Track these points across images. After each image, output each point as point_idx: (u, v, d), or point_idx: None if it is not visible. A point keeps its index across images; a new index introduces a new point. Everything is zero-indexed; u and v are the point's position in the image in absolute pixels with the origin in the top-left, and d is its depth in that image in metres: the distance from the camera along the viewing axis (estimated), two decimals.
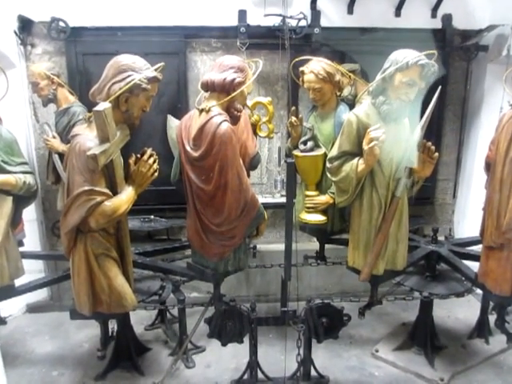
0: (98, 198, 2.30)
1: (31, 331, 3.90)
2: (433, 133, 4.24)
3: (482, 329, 3.69)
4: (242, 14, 3.80)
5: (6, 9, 3.68)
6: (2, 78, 2.99)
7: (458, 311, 4.13)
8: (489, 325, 3.68)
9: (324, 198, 3.21)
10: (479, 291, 3.27)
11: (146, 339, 3.70)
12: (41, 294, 4.20)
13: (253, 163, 3.01)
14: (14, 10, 3.74)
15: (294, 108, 3.27)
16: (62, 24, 3.73)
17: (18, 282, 3.09)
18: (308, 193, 3.27)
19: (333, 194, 3.07)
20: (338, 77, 3.13)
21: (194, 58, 4.13)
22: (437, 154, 2.63)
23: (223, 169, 2.43)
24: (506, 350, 3.47)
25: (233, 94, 2.48)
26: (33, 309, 4.22)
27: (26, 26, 3.87)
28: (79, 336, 3.77)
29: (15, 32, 3.80)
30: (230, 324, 2.84)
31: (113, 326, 3.42)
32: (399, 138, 2.67)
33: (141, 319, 3.92)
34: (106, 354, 3.43)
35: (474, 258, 3.23)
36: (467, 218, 4.57)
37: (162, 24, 3.86)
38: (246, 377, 3.05)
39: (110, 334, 3.46)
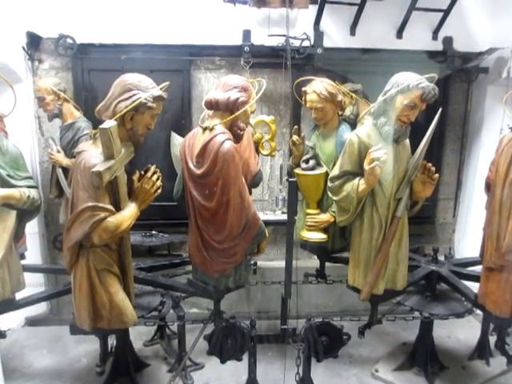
0: (102, 214, 2.32)
1: (30, 345, 3.88)
2: (434, 153, 4.29)
3: (482, 350, 3.66)
4: (247, 34, 3.86)
5: (15, 25, 3.76)
6: (10, 93, 3.03)
7: (459, 332, 4.10)
8: (489, 346, 3.65)
9: (325, 217, 3.24)
10: (480, 312, 3.26)
11: (144, 355, 3.67)
12: (40, 308, 4.18)
13: (255, 181, 3.03)
14: (23, 26, 3.83)
15: (296, 126, 3.32)
16: (69, 40, 3.80)
17: (19, 296, 3.09)
18: (309, 211, 3.29)
19: (334, 212, 3.09)
20: (339, 97, 3.17)
21: (198, 76, 4.19)
22: (437, 175, 2.67)
23: (225, 187, 2.46)
24: (507, 372, 3.42)
25: (236, 113, 2.53)
26: (32, 322, 4.20)
27: (34, 42, 3.95)
28: (78, 350, 3.74)
29: (23, 48, 3.88)
30: (230, 341, 2.83)
31: (112, 341, 3.40)
32: (400, 158, 2.71)
33: (140, 334, 3.90)
34: (104, 369, 3.40)
35: (474, 278, 3.22)
36: (467, 237, 4.58)
37: (168, 42, 3.93)
38: None
39: (108, 349, 3.45)
